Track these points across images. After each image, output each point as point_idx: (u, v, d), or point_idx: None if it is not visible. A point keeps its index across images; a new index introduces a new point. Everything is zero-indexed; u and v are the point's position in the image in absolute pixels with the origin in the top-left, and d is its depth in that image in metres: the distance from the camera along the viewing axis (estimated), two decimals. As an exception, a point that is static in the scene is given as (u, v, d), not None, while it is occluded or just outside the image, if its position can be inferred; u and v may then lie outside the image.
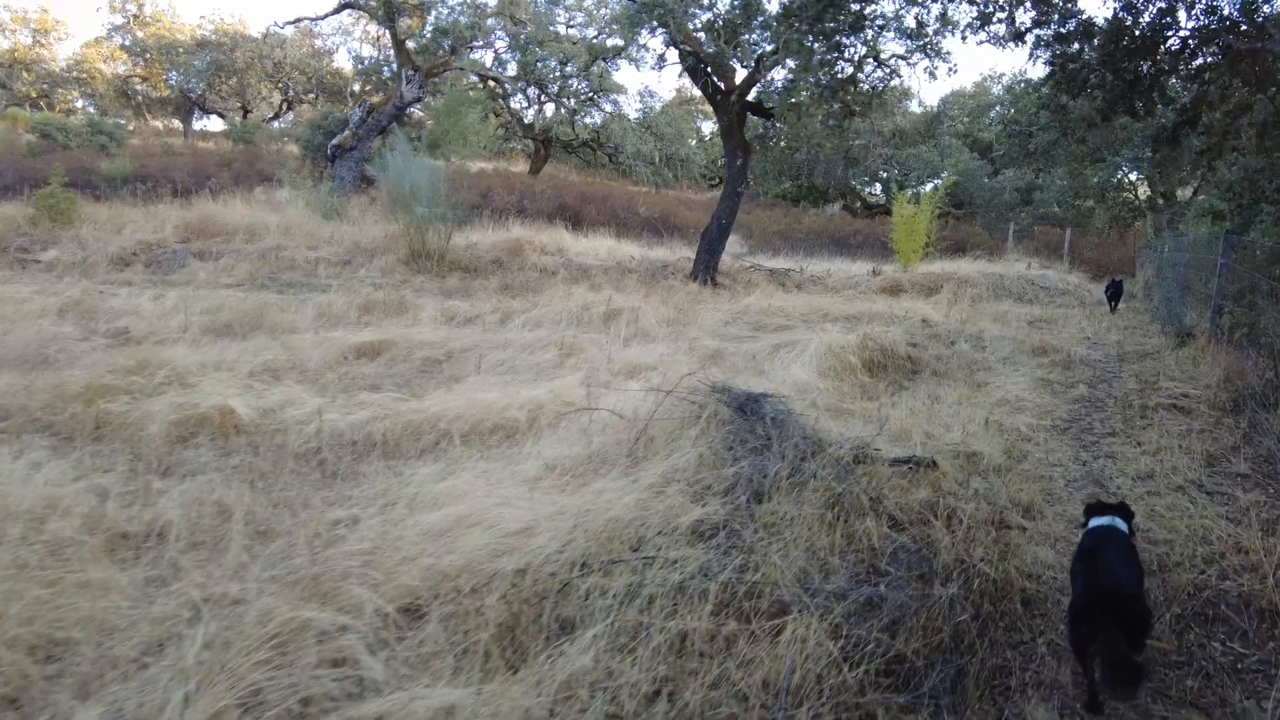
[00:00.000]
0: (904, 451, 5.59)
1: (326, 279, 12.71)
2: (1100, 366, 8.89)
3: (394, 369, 7.92)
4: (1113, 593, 3.06)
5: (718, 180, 49.01)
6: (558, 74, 26.04)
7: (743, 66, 12.86)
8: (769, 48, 12.80)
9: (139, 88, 46.25)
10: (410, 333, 8.98)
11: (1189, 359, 8.33)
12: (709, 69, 13.16)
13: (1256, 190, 7.53)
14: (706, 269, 14.61)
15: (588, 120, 34.27)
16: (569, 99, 31.97)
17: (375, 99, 24.57)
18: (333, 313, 10.21)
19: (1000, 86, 35.93)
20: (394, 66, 24.53)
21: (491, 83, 25.11)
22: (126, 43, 44.13)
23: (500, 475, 5.04)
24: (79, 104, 47.06)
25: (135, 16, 44.29)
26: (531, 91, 27.04)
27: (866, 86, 16.17)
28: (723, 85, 13.82)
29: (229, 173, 21.91)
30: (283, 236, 14.34)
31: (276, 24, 27.50)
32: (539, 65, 23.25)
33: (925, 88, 60.87)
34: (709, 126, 50.92)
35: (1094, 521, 3.55)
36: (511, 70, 25.78)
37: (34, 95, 44.08)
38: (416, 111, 29.19)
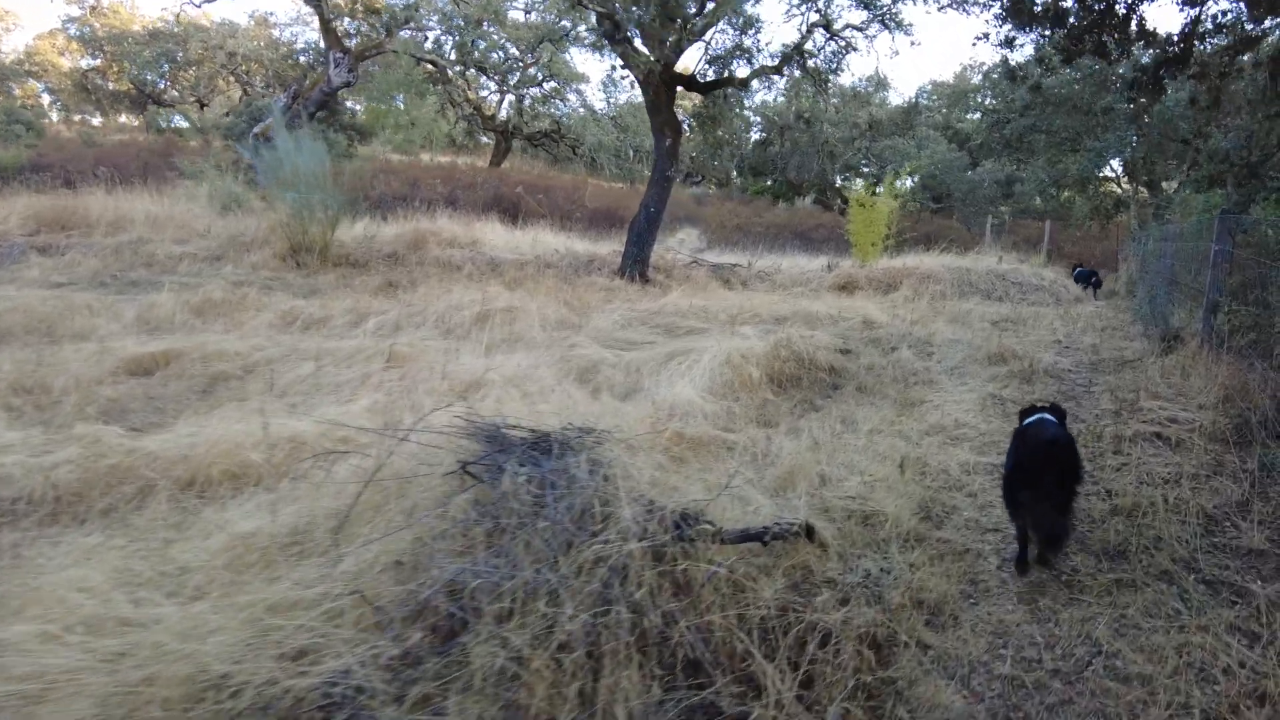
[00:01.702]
0: (773, 511, 3.91)
1: (186, 276, 10.94)
2: (1069, 378, 7.22)
3: (167, 388, 6.18)
4: (1047, 442, 3.46)
5: (701, 177, 47.38)
6: (501, 58, 24.25)
7: (666, 31, 11.15)
8: (693, 9, 11.13)
9: (100, 82, 44.37)
10: (220, 341, 7.23)
11: (1177, 368, 6.67)
12: (628, 34, 11.45)
13: (1266, 151, 5.86)
14: (635, 264, 12.91)
15: (541, 109, 32.59)
16: (524, 86, 30.23)
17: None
18: (156, 316, 8.45)
19: (979, 75, 34.41)
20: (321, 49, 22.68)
21: (430, 67, 23.29)
22: (83, 34, 42.31)
23: (154, 557, 3.42)
24: (45, 98, 45.55)
25: (93, 8, 42.48)
26: (472, 74, 25.15)
27: (818, 62, 14.58)
28: (647, 53, 12.12)
29: (137, 163, 20.06)
30: (151, 229, 12.55)
31: (194, 2, 25.24)
32: (475, 46, 21.44)
33: (889, 66, 58.90)
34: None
35: (1027, 420, 3.89)
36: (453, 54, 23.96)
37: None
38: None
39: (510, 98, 32.48)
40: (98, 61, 43.13)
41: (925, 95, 38.84)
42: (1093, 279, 15.37)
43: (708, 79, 13.11)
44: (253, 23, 40.17)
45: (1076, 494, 3.48)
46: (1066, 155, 21.42)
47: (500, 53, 23.68)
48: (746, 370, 6.40)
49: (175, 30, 42.07)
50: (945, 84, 37.91)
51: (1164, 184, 21.81)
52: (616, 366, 6.76)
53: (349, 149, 23.91)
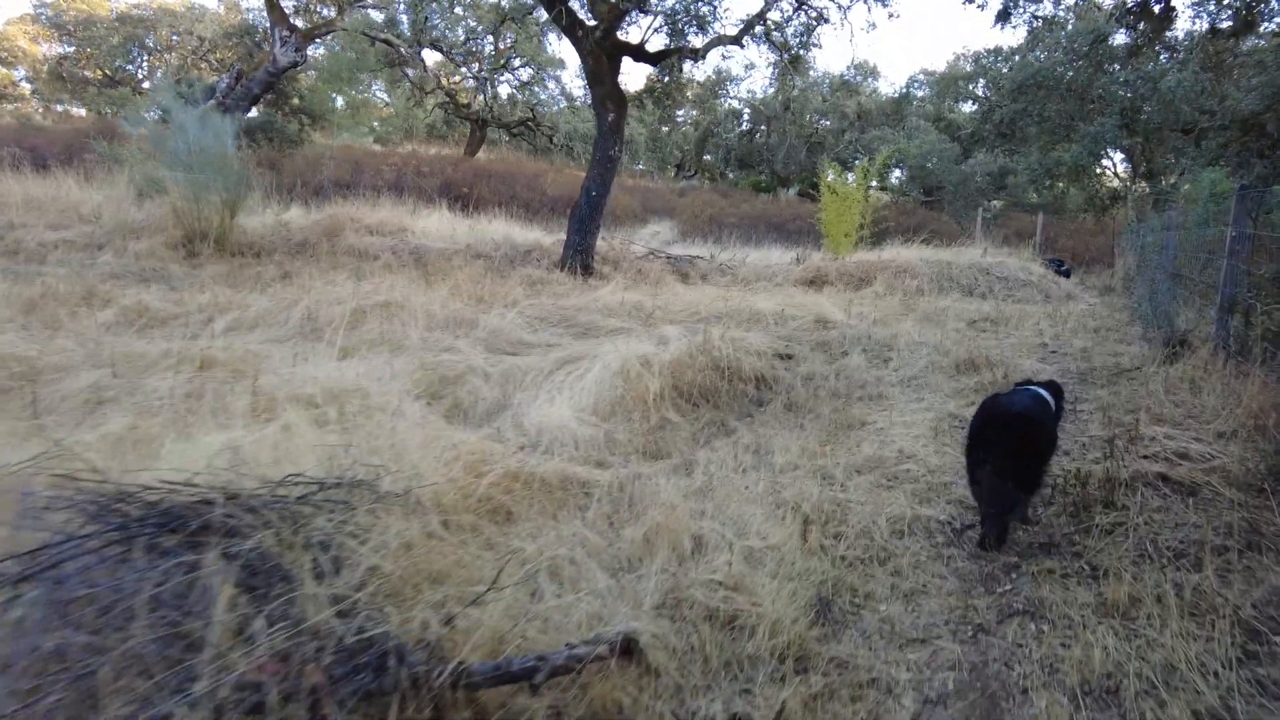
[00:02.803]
0: (593, 610, 2.61)
1: (53, 265, 9.58)
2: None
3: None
4: (1005, 409, 3.25)
5: (694, 171, 45.93)
6: (460, 37, 22.83)
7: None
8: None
9: (75, 70, 42.99)
10: (11, 344, 5.86)
11: (1184, 382, 5.34)
12: (564, -8, 10.09)
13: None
14: (577, 254, 11.56)
15: (520, 96, 31.28)
16: (498, 72, 28.85)
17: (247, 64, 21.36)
18: (-26, 313, 7.10)
19: (971, 64, 33.01)
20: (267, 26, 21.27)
21: (384, 46, 21.86)
22: (54, 20, 40.94)
23: None
24: (25, 87, 44.36)
25: None
26: (438, 59, 23.73)
27: (786, 35, 13.25)
28: (590, 16, 10.76)
29: (59, 146, 18.64)
30: (27, 213, 11.17)
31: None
32: (429, 23, 20.03)
33: (875, 51, 56.70)
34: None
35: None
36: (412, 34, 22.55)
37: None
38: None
39: (486, 85, 31.16)
40: (72, 49, 41.90)
41: (917, 85, 37.53)
42: (1061, 268, 15.43)
43: (660, 51, 11.75)
44: (223, 7, 38.80)
45: (1039, 474, 3.27)
46: (1060, 144, 20.08)
47: (458, 31, 22.22)
48: (643, 383, 5.07)
49: (145, 15, 40.62)
50: (936, 73, 36.56)
51: (1163, 178, 20.52)
52: (489, 377, 5.42)
53: (300, 133, 22.51)
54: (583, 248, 11.44)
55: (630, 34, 11.73)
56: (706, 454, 4.37)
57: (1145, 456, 3.99)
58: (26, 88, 44.47)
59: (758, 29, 12.60)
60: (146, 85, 37.08)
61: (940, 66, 39.69)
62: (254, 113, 22.38)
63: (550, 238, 13.80)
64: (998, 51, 24.93)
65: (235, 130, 11.44)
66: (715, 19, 11.48)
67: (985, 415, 3.31)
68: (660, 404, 5.01)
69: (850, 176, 14.53)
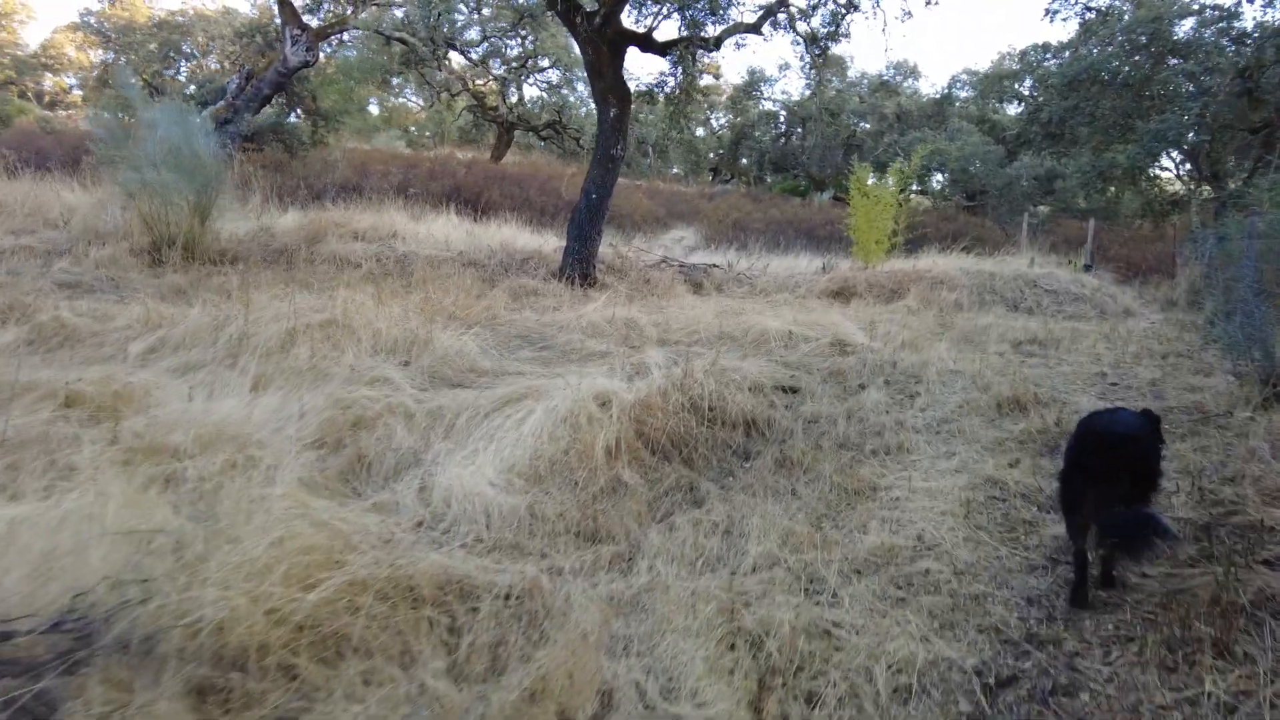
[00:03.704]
0: None
1: (4, 273, 8.86)
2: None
3: None
4: (1111, 431, 2.87)
5: (730, 176, 44.75)
6: (479, 35, 22.03)
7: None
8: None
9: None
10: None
11: (1296, 435, 4.14)
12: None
13: None
14: (577, 263, 10.54)
15: (548, 99, 30.59)
16: (525, 73, 28.13)
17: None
18: None
19: (1017, 62, 31.35)
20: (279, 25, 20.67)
21: (400, 45, 21.13)
22: (101, 27, 41.56)
23: None
24: (78, 94, 45.47)
25: (113, 2, 41.73)
26: (452, 56, 22.96)
27: (811, 23, 12.14)
28: (589, 1, 9.75)
29: (64, 149, 18.22)
30: (-7, 217, 10.53)
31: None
32: (443, 19, 19.23)
33: (899, 32, 54.00)
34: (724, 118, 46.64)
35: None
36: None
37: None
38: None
39: (512, 87, 30.48)
40: (112, 56, 42.52)
41: (959, 84, 35.95)
42: (1088, 270, 14.40)
43: (672, 41, 10.68)
44: (256, 11, 38.82)
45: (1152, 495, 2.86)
46: (1115, 144, 18.56)
47: (474, 30, 21.42)
48: (595, 432, 4.02)
49: (181, 21, 40.85)
50: (980, 72, 34.93)
51: (1229, 180, 18.84)
52: (411, 419, 4.42)
53: (314, 135, 21.89)
54: (582, 255, 10.42)
55: (646, 22, 10.72)
56: (659, 537, 3.31)
57: (1267, 561, 2.83)
58: (79, 95, 45.35)
59: (780, 16, 11.49)
60: (190, 90, 37.14)
61: (984, 65, 38.11)
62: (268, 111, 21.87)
63: (555, 244, 12.81)
64: (1046, 47, 23.40)
65: (209, 128, 10.65)
66: (732, 3, 10.39)
67: (1090, 435, 2.95)
68: (614, 460, 3.95)
69: (886, 179, 13.27)
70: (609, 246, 13.34)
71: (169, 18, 40.57)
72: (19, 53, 44.94)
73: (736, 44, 10.83)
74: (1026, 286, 11.50)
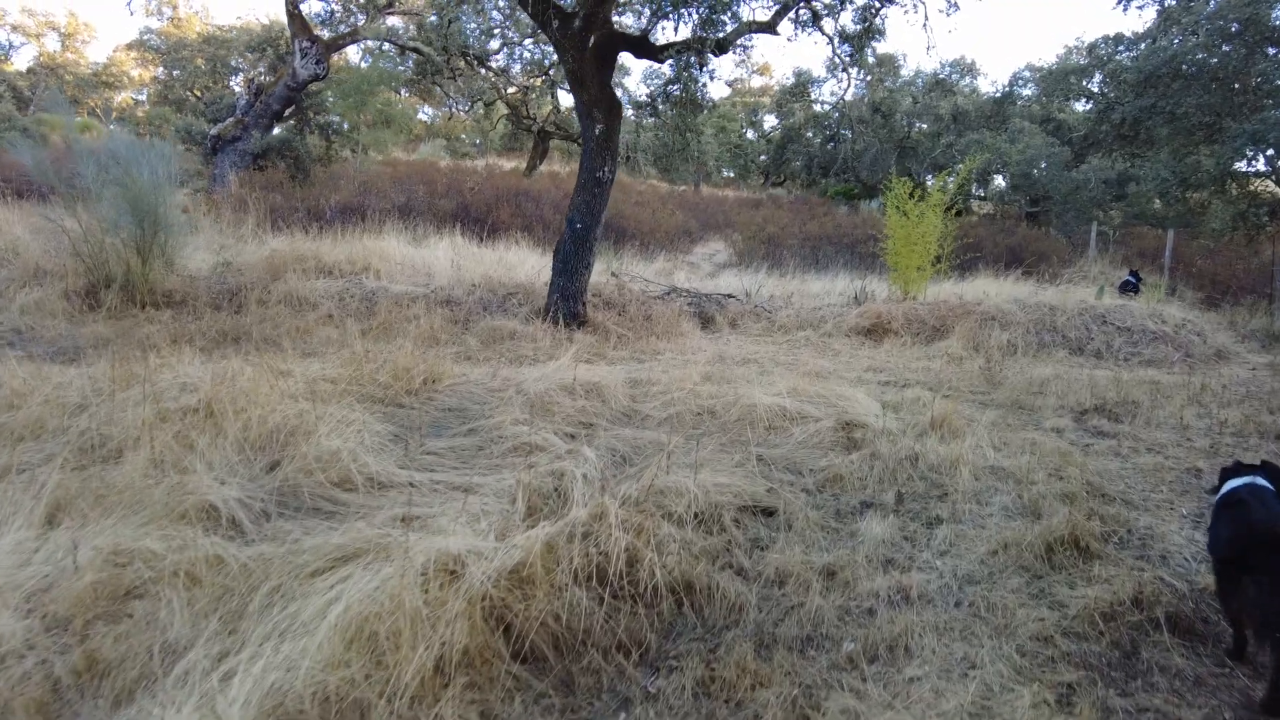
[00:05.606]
0: None
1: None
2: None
3: None
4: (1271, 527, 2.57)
5: (782, 179, 43.00)
6: (498, 44, 20.93)
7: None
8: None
9: (183, 93, 44.43)
10: None
11: None
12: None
13: None
14: (562, 300, 9.20)
15: (567, 102, 29.49)
16: (561, 82, 27.05)
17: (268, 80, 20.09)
18: None
19: (1085, 56, 28.95)
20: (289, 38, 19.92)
21: (416, 55, 20.19)
22: (161, 45, 42.34)
23: None
24: (144, 107, 46.76)
25: (172, 19, 42.44)
26: (461, 64, 21.91)
27: (844, 21, 10.66)
28: (567, 2, 8.42)
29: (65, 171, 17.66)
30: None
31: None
32: (457, 28, 18.16)
33: (945, 26, 50.73)
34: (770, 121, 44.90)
35: (1232, 482, 2.99)
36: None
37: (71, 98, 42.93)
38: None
39: (541, 94, 29.48)
40: (163, 73, 43.28)
41: (1021, 82, 33.60)
42: (1133, 286, 13.06)
43: (667, 44, 9.27)
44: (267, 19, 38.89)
45: None
46: (1199, 145, 16.43)
47: (496, 39, 20.34)
48: (412, 644, 2.65)
49: (227, 37, 41.17)
50: (1044, 68, 32.53)
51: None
52: (198, 586, 3.12)
53: (328, 150, 21.08)
54: (568, 292, 9.09)
55: (636, 22, 9.33)
56: None
57: None
58: (145, 110, 46.38)
59: (801, 12, 10.00)
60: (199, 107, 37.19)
61: (1049, 60, 35.63)
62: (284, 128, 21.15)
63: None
64: (1118, 39, 21.25)
65: (168, 153, 9.64)
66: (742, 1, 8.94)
67: (1241, 528, 2.67)
68: (440, 689, 2.58)
69: (934, 190, 11.58)
70: (610, 276, 12.01)
71: (219, 33, 40.91)
72: (84, 70, 46.21)
73: (742, 47, 9.33)
74: (1094, 323, 9.74)
